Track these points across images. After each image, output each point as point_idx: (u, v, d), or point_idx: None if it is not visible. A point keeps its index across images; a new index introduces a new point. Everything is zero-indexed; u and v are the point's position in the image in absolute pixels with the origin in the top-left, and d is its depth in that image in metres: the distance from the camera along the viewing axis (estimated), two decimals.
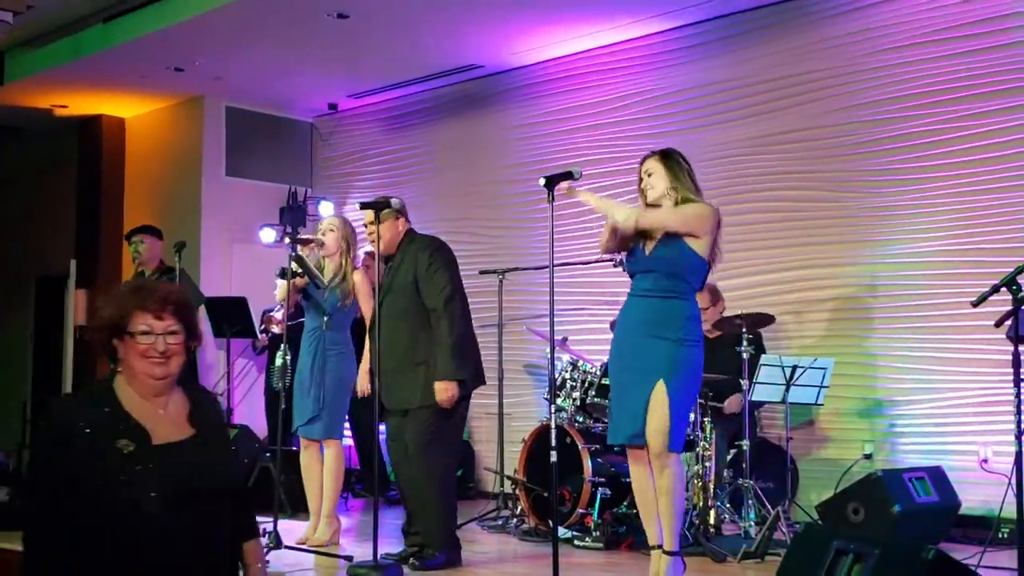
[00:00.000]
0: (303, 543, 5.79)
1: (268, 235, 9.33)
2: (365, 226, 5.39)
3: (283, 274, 5.79)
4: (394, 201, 5.25)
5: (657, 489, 4.50)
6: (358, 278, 5.93)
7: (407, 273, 5.23)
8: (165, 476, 2.74)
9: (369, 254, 8.39)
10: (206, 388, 3.21)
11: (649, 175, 4.65)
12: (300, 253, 5.84)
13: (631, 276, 4.68)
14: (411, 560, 5.12)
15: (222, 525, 2.88)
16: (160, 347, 2.84)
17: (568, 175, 4.34)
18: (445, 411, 5.15)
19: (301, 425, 5.98)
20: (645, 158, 4.73)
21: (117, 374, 2.90)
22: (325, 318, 5.91)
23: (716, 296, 6.81)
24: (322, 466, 6.02)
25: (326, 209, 9.74)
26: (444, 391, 5.07)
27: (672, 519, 4.48)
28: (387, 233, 5.33)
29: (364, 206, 5.24)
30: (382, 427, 5.59)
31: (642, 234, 4.60)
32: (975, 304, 4.45)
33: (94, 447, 2.70)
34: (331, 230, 5.99)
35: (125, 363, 2.86)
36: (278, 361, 5.73)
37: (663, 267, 4.52)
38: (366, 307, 5.85)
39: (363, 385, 5.68)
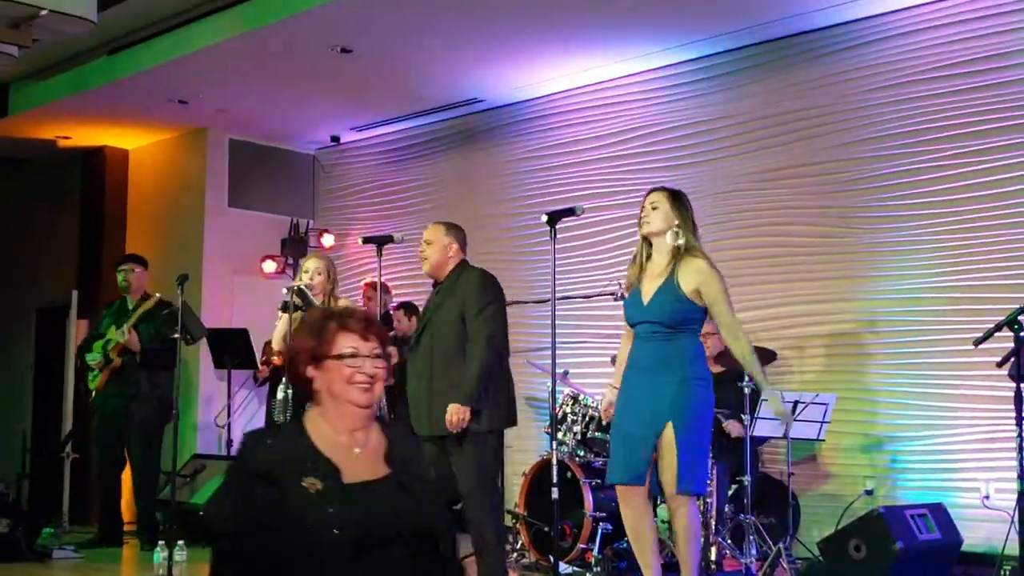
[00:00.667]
0: None
1: (270, 266, 9.36)
2: (426, 243, 5.29)
3: (285, 307, 5.80)
4: (443, 227, 5.27)
5: (674, 532, 4.49)
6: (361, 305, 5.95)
7: (452, 307, 5.16)
8: (354, 518, 2.50)
9: (370, 284, 8.42)
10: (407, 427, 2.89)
11: (654, 208, 4.61)
12: (301, 286, 5.85)
13: (632, 326, 4.66)
14: None
15: (414, 573, 2.61)
16: (368, 370, 2.62)
17: (570, 211, 4.36)
18: (483, 442, 5.09)
19: None
20: (653, 190, 4.70)
21: (309, 409, 2.70)
22: None
23: None
24: None
25: (328, 241, 9.78)
26: (456, 412, 4.97)
27: (689, 560, 4.45)
28: (436, 255, 5.25)
29: (367, 241, 5.25)
30: None
31: (642, 271, 4.58)
32: (977, 344, 4.47)
33: (280, 485, 2.50)
34: (318, 274, 5.99)
35: (324, 393, 2.63)
36: (279, 395, 5.72)
37: (661, 318, 4.51)
38: None
39: None
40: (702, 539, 5.90)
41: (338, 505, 2.50)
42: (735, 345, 4.54)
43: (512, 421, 5.28)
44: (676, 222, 4.56)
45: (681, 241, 4.53)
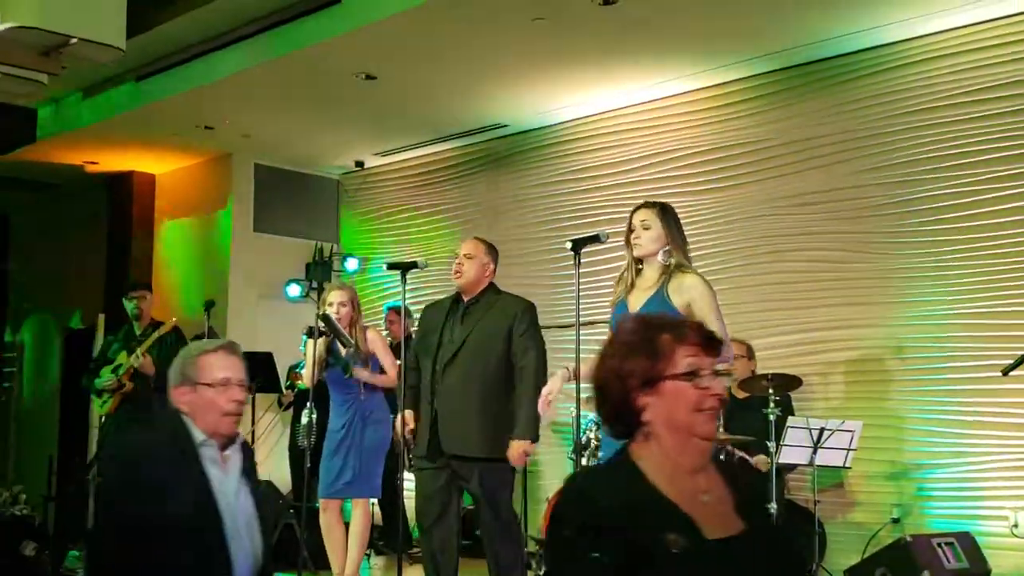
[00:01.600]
0: None
1: (294, 291, 9.40)
2: (458, 255, 5.30)
3: (310, 333, 5.81)
4: (484, 245, 5.30)
5: None
6: (373, 335, 5.95)
7: (495, 325, 5.14)
8: None
9: (394, 310, 8.44)
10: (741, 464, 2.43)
11: (645, 228, 4.42)
12: (327, 312, 5.86)
13: None
14: None
15: None
16: (719, 390, 2.17)
17: (595, 239, 4.35)
18: (508, 469, 5.12)
19: (329, 484, 5.96)
20: (640, 208, 4.50)
21: (633, 445, 2.21)
22: (360, 386, 5.92)
23: (751, 353, 6.80)
24: (343, 527, 6.01)
25: (352, 265, 9.82)
26: (521, 449, 5.01)
27: None
28: (474, 271, 5.24)
29: (391, 267, 5.26)
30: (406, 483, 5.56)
31: (631, 287, 4.47)
32: (1005, 372, 4.43)
33: (635, 542, 2.06)
34: (343, 306, 5.96)
35: (660, 425, 2.17)
36: (304, 419, 5.73)
37: None
38: (387, 360, 5.86)
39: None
40: None
41: (702, 568, 2.07)
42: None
43: (535, 439, 5.28)
44: (667, 242, 4.41)
45: (673, 260, 4.40)
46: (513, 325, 5.16)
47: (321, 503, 6.10)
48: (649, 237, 4.40)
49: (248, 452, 3.32)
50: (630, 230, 4.44)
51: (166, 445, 3.13)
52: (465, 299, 5.28)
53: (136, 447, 3.26)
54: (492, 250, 5.35)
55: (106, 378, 7.34)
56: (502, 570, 5.10)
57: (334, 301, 5.96)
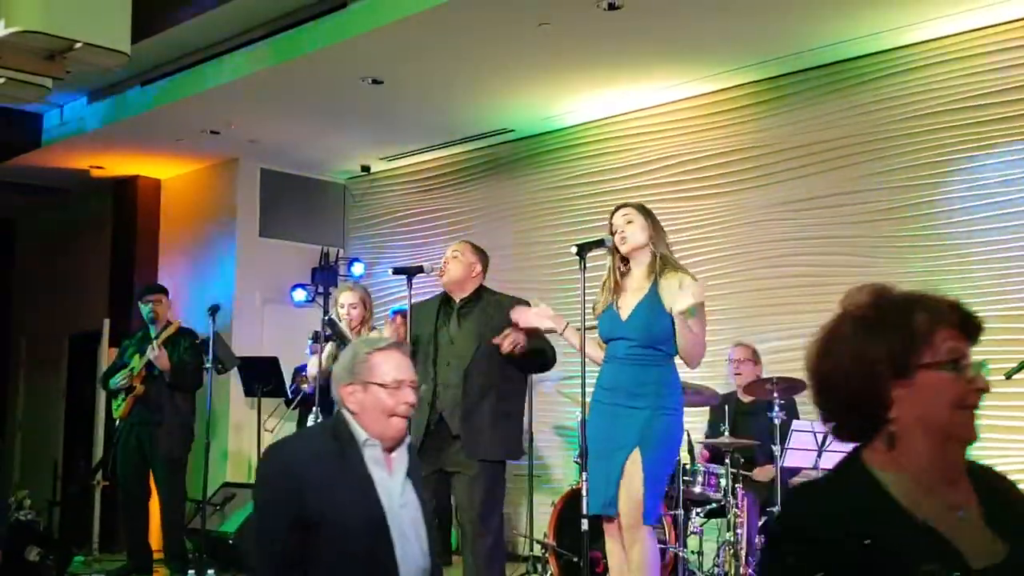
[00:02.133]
0: None
1: (300, 295, 9.42)
2: (445, 255, 5.30)
3: (316, 337, 5.83)
4: (471, 246, 5.33)
5: (628, 564, 4.28)
6: (389, 331, 5.95)
7: (492, 323, 5.11)
8: None
9: (400, 313, 8.43)
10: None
11: (629, 222, 4.42)
12: (333, 317, 5.88)
13: (605, 341, 4.51)
14: None
15: None
16: (982, 383, 1.83)
17: (600, 243, 4.35)
18: (499, 471, 5.08)
19: None
20: (621, 206, 4.53)
21: (868, 450, 1.82)
22: None
23: (758, 357, 6.80)
24: None
25: (358, 270, 9.83)
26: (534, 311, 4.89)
27: None
28: (459, 270, 5.22)
29: (397, 271, 5.26)
30: None
31: (615, 290, 4.46)
32: (1009, 376, 4.43)
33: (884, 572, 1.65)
34: (353, 308, 6.00)
35: (910, 425, 1.78)
36: (310, 422, 5.74)
37: (638, 335, 4.35)
38: None
39: None
40: (732, 570, 5.87)
41: None
42: (680, 337, 4.31)
43: (521, 453, 5.29)
44: (652, 235, 4.42)
45: (659, 255, 4.39)
46: (505, 319, 5.11)
47: None
48: (634, 229, 4.40)
49: (413, 454, 3.23)
50: (612, 232, 4.44)
51: (326, 444, 3.06)
52: (457, 300, 5.25)
53: (295, 447, 3.20)
54: (479, 252, 5.33)
55: (120, 378, 7.36)
56: (480, 562, 5.02)
57: (344, 303, 5.98)
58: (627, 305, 4.39)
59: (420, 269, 5.17)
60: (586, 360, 4.37)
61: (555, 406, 8.06)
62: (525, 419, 7.29)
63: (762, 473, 6.36)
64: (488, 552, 5.01)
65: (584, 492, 4.18)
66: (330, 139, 9.03)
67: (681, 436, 4.45)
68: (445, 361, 5.12)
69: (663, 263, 4.39)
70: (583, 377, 4.29)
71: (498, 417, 5.06)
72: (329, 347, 5.91)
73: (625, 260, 4.49)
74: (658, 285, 4.34)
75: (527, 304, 5.11)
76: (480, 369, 5.07)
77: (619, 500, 4.25)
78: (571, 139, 8.63)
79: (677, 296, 4.22)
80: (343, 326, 5.95)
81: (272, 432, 8.98)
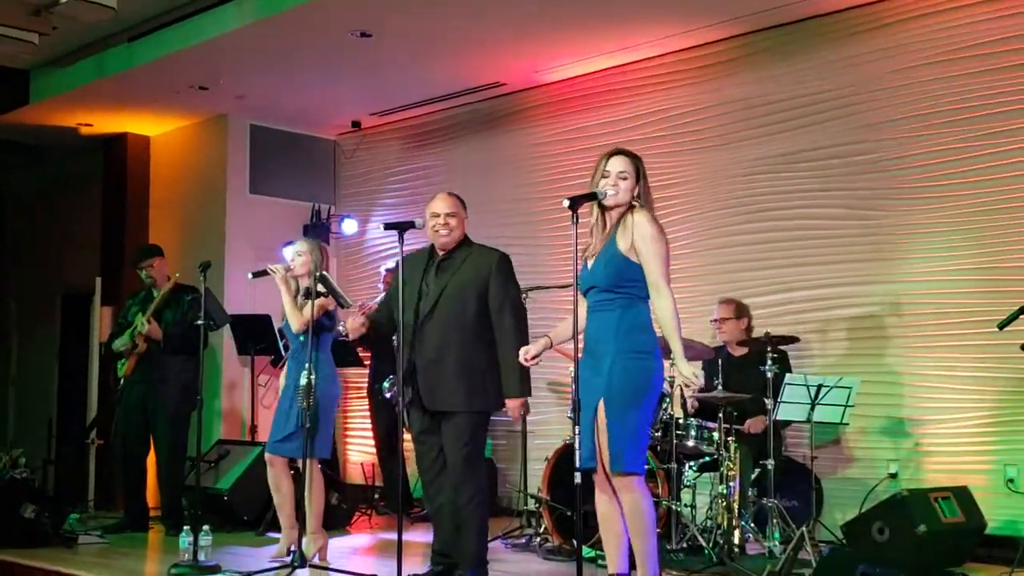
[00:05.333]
0: (276, 558, 5.86)
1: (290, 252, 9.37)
2: (440, 216, 5.23)
3: (308, 294, 5.82)
4: (461, 201, 5.32)
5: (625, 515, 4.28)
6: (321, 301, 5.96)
7: (470, 278, 5.16)
8: None
9: (391, 271, 8.43)
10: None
11: (624, 178, 4.34)
12: (325, 273, 5.87)
13: (583, 295, 4.46)
14: None
15: None
16: None
17: (592, 196, 4.32)
18: (483, 422, 5.17)
19: (275, 442, 6.03)
20: (617, 154, 4.40)
21: None
22: (301, 339, 5.97)
23: (742, 311, 6.80)
24: (291, 482, 6.09)
25: (350, 227, 9.80)
26: (518, 409, 5.17)
27: (640, 548, 4.26)
28: (460, 230, 5.28)
29: (388, 227, 5.24)
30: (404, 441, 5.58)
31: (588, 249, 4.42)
32: (1001, 327, 4.43)
33: None
34: (299, 254, 6.06)
35: None
36: (302, 380, 5.74)
37: (600, 281, 4.33)
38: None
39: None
40: (725, 523, 5.90)
41: None
42: (656, 307, 4.26)
43: (491, 406, 5.30)
44: (637, 193, 4.37)
45: (636, 207, 4.34)
46: (489, 277, 5.18)
47: (267, 458, 6.13)
48: (626, 187, 4.36)
49: None
50: (603, 175, 4.36)
51: None
52: (441, 253, 5.29)
53: None
54: (463, 204, 5.36)
55: (124, 341, 7.36)
56: (464, 529, 5.11)
57: (291, 251, 6.07)
58: (594, 255, 4.40)
59: (411, 224, 5.14)
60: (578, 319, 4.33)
61: (548, 361, 8.00)
62: None
63: (753, 425, 6.39)
64: (470, 497, 5.08)
65: (576, 447, 4.18)
66: (320, 94, 8.96)
67: (654, 378, 4.28)
68: (423, 312, 5.18)
69: (629, 209, 4.35)
70: (575, 333, 4.28)
71: (470, 368, 5.10)
72: (294, 300, 5.96)
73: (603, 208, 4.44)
74: (617, 229, 4.33)
75: (506, 259, 5.22)
76: (452, 321, 5.13)
77: (598, 451, 4.25)
78: (564, 93, 8.57)
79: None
80: (335, 282, 5.94)
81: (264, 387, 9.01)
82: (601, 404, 4.21)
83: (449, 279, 5.20)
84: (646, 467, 4.42)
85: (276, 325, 8.42)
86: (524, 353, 4.52)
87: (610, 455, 4.19)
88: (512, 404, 5.15)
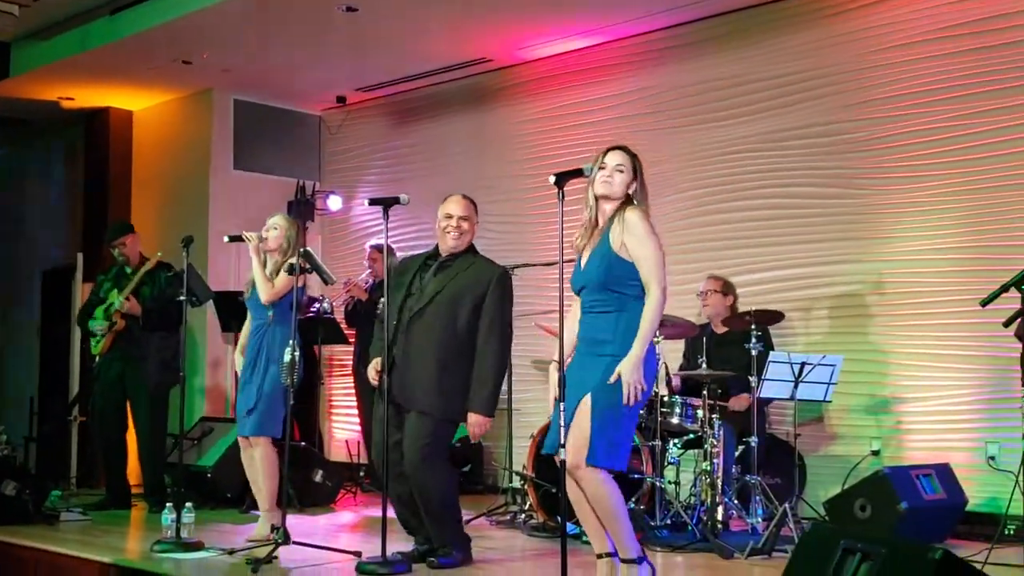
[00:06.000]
0: (253, 540, 5.84)
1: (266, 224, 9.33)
2: (454, 218, 5.18)
3: (291, 269, 5.79)
4: (474, 205, 5.28)
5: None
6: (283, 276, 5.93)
7: (468, 288, 5.11)
8: None
9: (375, 247, 8.41)
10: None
11: (620, 171, 4.33)
12: (310, 250, 5.85)
13: (576, 294, 4.44)
14: (428, 559, 5.10)
15: None
16: None
17: (578, 172, 4.30)
18: (451, 427, 5.16)
19: (240, 421, 6.03)
20: (616, 149, 4.40)
21: None
22: (269, 313, 5.95)
23: (728, 288, 6.80)
24: None
25: (335, 203, 9.76)
26: (479, 426, 5.07)
27: (613, 529, 4.26)
28: (471, 235, 5.25)
29: (373, 202, 5.21)
30: None
31: (589, 235, 4.37)
32: (984, 304, 4.44)
33: None
34: (275, 228, 6.03)
35: None
36: (286, 357, 5.71)
37: (592, 280, 4.29)
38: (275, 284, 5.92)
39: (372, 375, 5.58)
40: (709, 499, 5.92)
41: None
42: (647, 302, 4.20)
43: (461, 416, 5.22)
44: (633, 189, 4.35)
45: (629, 202, 4.31)
46: (486, 292, 5.13)
47: (239, 439, 6.12)
48: (621, 180, 4.33)
49: None
50: (601, 167, 4.36)
51: None
52: (444, 255, 5.25)
53: None
54: (477, 209, 5.33)
55: (99, 319, 7.30)
56: (431, 516, 5.10)
57: (268, 224, 6.03)
58: (587, 254, 4.37)
59: (396, 200, 5.11)
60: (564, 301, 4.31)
61: (534, 340, 8.06)
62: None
63: (737, 403, 6.41)
64: (433, 492, 5.05)
65: (561, 424, 4.16)
66: (305, 69, 8.91)
67: (647, 381, 4.23)
68: (412, 309, 5.14)
69: (623, 206, 4.32)
70: (561, 311, 4.27)
71: (448, 376, 5.07)
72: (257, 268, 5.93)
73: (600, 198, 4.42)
74: (610, 228, 4.31)
75: (506, 277, 5.19)
76: (440, 326, 5.09)
77: (567, 442, 4.16)
78: (550, 70, 8.55)
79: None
80: (319, 259, 5.92)
81: None
82: (587, 400, 4.18)
83: (446, 283, 5.15)
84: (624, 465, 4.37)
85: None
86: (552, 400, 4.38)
87: (588, 448, 4.15)
88: (475, 419, 5.06)
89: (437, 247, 5.30)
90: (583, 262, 4.36)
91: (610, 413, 4.17)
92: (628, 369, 4.15)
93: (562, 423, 4.11)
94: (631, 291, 4.26)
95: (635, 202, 4.35)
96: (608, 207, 4.37)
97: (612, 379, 4.14)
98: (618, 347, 4.20)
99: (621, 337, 4.21)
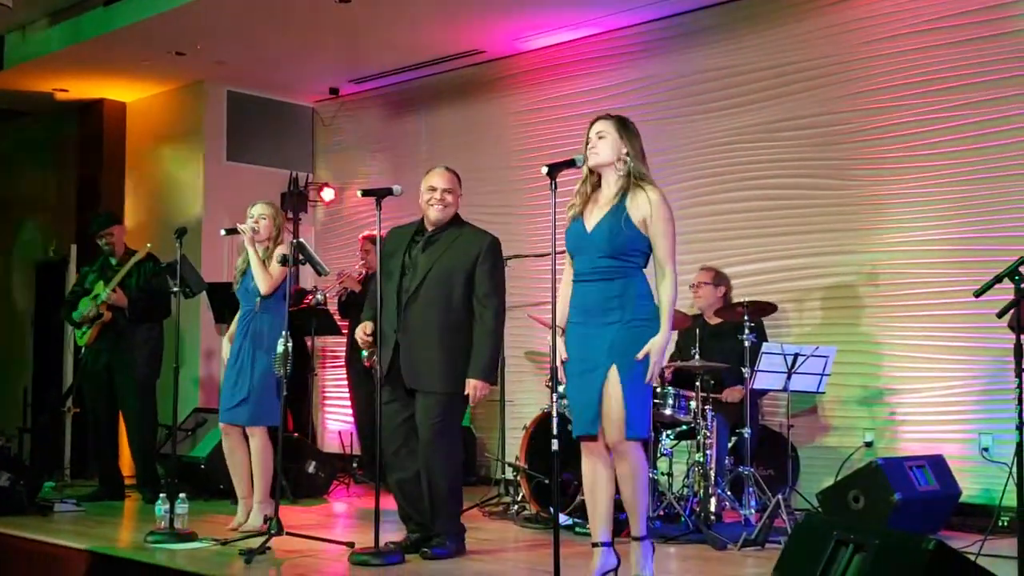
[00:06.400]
0: (234, 529, 5.84)
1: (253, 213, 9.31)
2: (437, 190, 5.19)
3: (284, 260, 5.78)
4: (457, 177, 5.29)
5: (618, 478, 4.31)
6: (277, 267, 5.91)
7: (459, 260, 5.13)
8: None
9: (368, 238, 8.39)
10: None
11: (601, 137, 4.35)
12: (303, 240, 5.84)
13: (571, 256, 4.43)
14: (421, 550, 5.11)
15: None
16: None
17: (571, 163, 4.30)
18: (459, 401, 5.15)
19: (226, 410, 6.00)
20: (599, 118, 4.43)
21: None
22: (257, 300, 5.95)
23: (720, 279, 6.80)
24: (247, 452, 6.03)
25: (328, 195, 9.75)
26: (478, 390, 5.07)
27: (636, 505, 4.31)
28: (455, 206, 5.25)
29: (366, 193, 5.20)
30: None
31: (587, 201, 4.39)
32: (977, 294, 4.43)
33: None
34: (263, 217, 6.02)
35: None
36: (279, 348, 5.69)
37: (602, 246, 4.27)
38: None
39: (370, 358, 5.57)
40: (701, 491, 5.93)
41: None
42: (660, 284, 4.27)
43: (492, 382, 5.31)
44: (625, 151, 4.34)
45: (632, 171, 4.32)
46: (477, 261, 5.13)
47: (221, 427, 6.11)
48: (605, 145, 4.34)
49: None
50: (587, 141, 4.39)
51: None
52: (430, 228, 5.25)
53: None
54: (460, 180, 5.33)
55: (85, 308, 7.29)
56: (436, 499, 5.12)
57: (255, 213, 6.02)
58: (594, 218, 4.36)
59: (389, 191, 5.11)
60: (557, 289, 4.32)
61: (525, 330, 8.07)
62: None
63: (730, 395, 6.42)
64: (442, 471, 5.08)
65: (554, 415, 4.18)
66: (298, 61, 8.89)
67: (665, 353, 4.32)
68: (408, 289, 5.15)
69: (634, 178, 4.33)
70: (553, 302, 4.27)
71: (452, 350, 5.08)
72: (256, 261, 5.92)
73: (597, 175, 4.44)
74: (626, 198, 4.31)
75: (496, 244, 5.21)
76: (438, 301, 5.11)
77: (601, 419, 4.24)
78: (543, 61, 8.54)
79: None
80: (312, 250, 5.91)
81: None
82: (614, 372, 4.20)
83: (436, 259, 5.15)
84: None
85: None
86: (561, 357, 4.42)
87: (626, 421, 4.19)
88: (474, 383, 5.07)
89: (423, 220, 5.29)
90: (589, 227, 4.33)
91: (640, 383, 4.23)
92: (658, 348, 4.21)
93: (555, 406, 4.13)
94: (636, 261, 4.30)
95: (630, 165, 4.33)
96: (612, 176, 4.36)
97: (640, 355, 4.19)
98: (625, 312, 4.23)
99: (629, 303, 4.25)
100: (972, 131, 6.38)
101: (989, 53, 6.33)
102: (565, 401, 6.25)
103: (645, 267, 4.35)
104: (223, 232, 6.15)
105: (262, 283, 5.94)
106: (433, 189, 5.21)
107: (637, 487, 4.30)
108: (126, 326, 7.27)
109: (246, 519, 5.99)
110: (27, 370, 11.00)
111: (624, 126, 4.39)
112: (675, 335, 6.86)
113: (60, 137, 10.71)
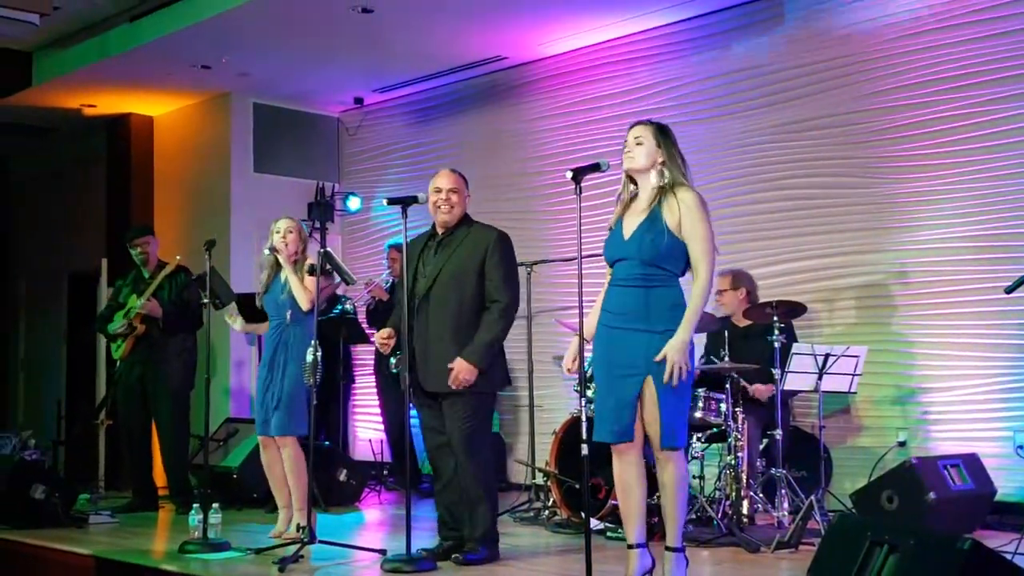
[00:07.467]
0: (276, 536, 5.86)
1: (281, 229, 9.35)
2: (443, 191, 5.19)
3: (311, 270, 5.81)
4: (463, 178, 5.29)
5: (660, 484, 4.32)
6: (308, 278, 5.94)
7: (468, 258, 5.13)
8: None
9: (395, 247, 8.41)
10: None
11: (638, 143, 4.35)
12: (329, 250, 5.86)
13: (609, 264, 4.43)
14: (453, 555, 5.11)
15: None
16: None
17: (596, 167, 4.29)
18: (486, 402, 5.15)
19: (262, 422, 6.02)
20: (637, 123, 4.43)
21: None
22: (288, 312, 5.97)
23: (738, 281, 6.74)
24: (282, 463, 6.03)
25: (354, 204, 9.79)
26: (462, 371, 4.99)
27: (675, 514, 4.30)
28: (462, 206, 5.24)
29: (391, 202, 5.22)
30: (412, 418, 5.58)
31: (626, 208, 4.39)
32: (1008, 291, 4.41)
33: None
34: (290, 231, 6.04)
35: None
36: (308, 357, 5.72)
37: (640, 254, 4.26)
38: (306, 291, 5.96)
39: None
40: (733, 493, 5.90)
41: None
42: (695, 283, 4.26)
43: (508, 383, 5.37)
44: (661, 159, 4.33)
45: (667, 178, 4.30)
46: (486, 257, 5.13)
47: (260, 440, 6.14)
48: (641, 152, 4.34)
49: None
50: (624, 146, 4.39)
51: None
52: (440, 231, 5.26)
53: None
54: (466, 181, 5.33)
55: (118, 323, 7.36)
56: (470, 505, 5.13)
57: (281, 228, 6.04)
58: (630, 226, 4.35)
59: (415, 199, 5.12)
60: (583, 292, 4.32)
61: (555, 335, 8.07)
62: (523, 350, 7.38)
63: (759, 391, 6.33)
64: (475, 475, 5.08)
65: (583, 419, 4.17)
66: (322, 71, 8.93)
67: (692, 354, 4.30)
68: (420, 293, 5.17)
69: (669, 184, 4.31)
70: (580, 306, 4.27)
71: (458, 351, 5.05)
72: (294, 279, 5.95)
73: (634, 181, 4.44)
74: (662, 204, 4.30)
75: (504, 238, 5.20)
76: (450, 302, 5.11)
77: (646, 429, 4.25)
78: (566, 66, 8.53)
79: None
80: (339, 259, 5.94)
81: None
82: (650, 382, 4.20)
83: (446, 260, 5.16)
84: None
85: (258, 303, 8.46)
86: (566, 368, 4.48)
87: (663, 432, 4.20)
88: (461, 365, 4.98)
89: (434, 225, 5.31)
90: (626, 234, 4.33)
91: (675, 393, 4.21)
92: (675, 350, 4.18)
93: (584, 411, 4.12)
94: (677, 269, 4.30)
95: (665, 173, 4.31)
96: (650, 182, 4.35)
97: (658, 358, 4.17)
98: (660, 324, 4.22)
99: (667, 312, 4.24)
100: (999, 126, 6.33)
101: (1015, 48, 6.28)
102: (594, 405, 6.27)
103: (683, 275, 4.33)
104: (266, 252, 6.13)
105: (303, 300, 5.95)
106: (439, 190, 5.22)
107: (675, 496, 4.30)
108: (160, 337, 7.33)
109: (286, 528, 6.02)
110: (61, 382, 11.10)
111: (662, 132, 4.39)
112: (703, 337, 6.84)
113: (88, 152, 10.81)
